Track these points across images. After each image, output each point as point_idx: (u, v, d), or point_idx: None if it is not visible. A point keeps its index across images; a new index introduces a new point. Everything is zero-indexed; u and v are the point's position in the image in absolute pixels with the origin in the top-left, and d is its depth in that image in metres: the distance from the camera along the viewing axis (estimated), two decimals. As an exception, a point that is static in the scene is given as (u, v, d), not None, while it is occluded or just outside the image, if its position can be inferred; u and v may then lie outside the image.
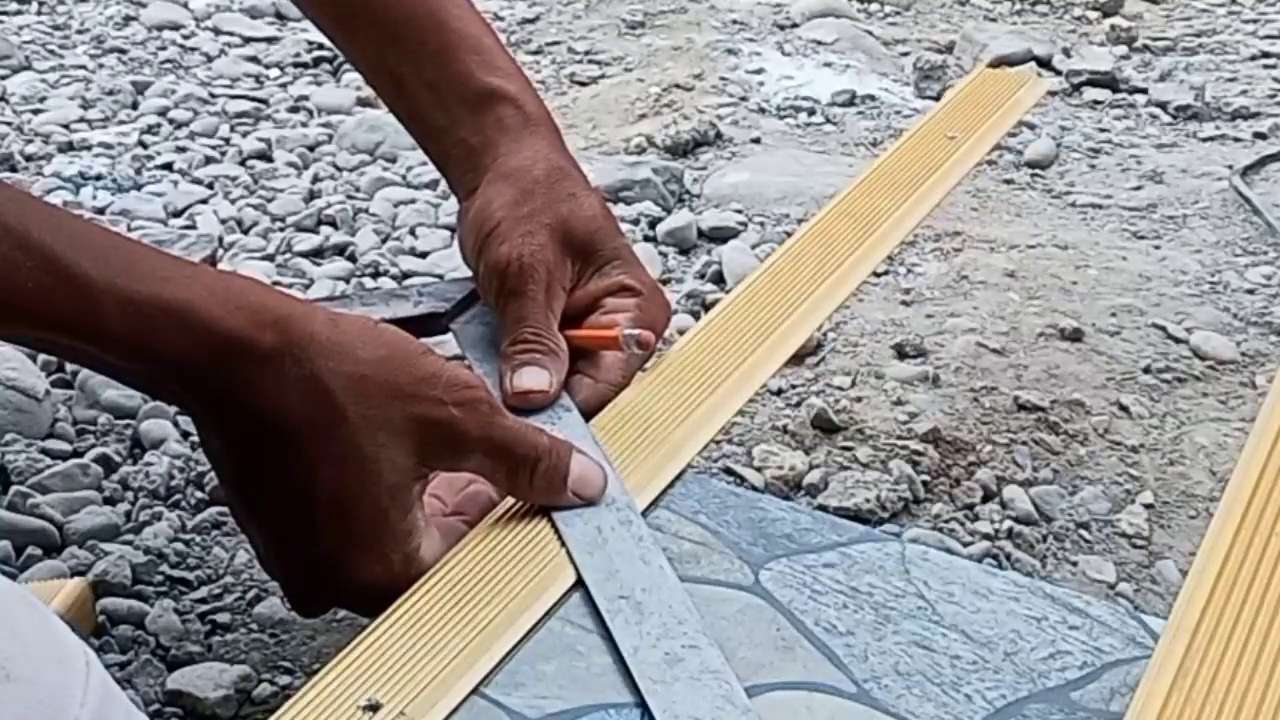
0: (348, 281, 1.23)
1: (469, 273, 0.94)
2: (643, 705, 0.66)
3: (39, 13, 1.75)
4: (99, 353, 0.71)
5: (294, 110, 1.53)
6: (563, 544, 0.75)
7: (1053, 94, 1.63)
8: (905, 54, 1.75)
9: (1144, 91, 1.65)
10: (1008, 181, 1.46)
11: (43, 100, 1.53)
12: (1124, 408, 1.10)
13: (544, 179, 0.90)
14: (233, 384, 0.71)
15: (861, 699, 0.68)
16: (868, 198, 1.03)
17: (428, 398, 0.73)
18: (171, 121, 1.50)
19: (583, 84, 1.65)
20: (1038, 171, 1.47)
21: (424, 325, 0.91)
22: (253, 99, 1.55)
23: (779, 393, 1.10)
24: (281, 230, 1.30)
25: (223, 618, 0.87)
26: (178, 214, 1.33)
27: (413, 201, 1.35)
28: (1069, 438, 1.06)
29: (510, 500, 0.77)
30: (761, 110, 1.60)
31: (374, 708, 0.64)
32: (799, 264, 0.97)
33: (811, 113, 1.60)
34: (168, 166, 1.41)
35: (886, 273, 1.26)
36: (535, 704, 0.66)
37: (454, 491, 0.79)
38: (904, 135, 1.13)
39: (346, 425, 0.72)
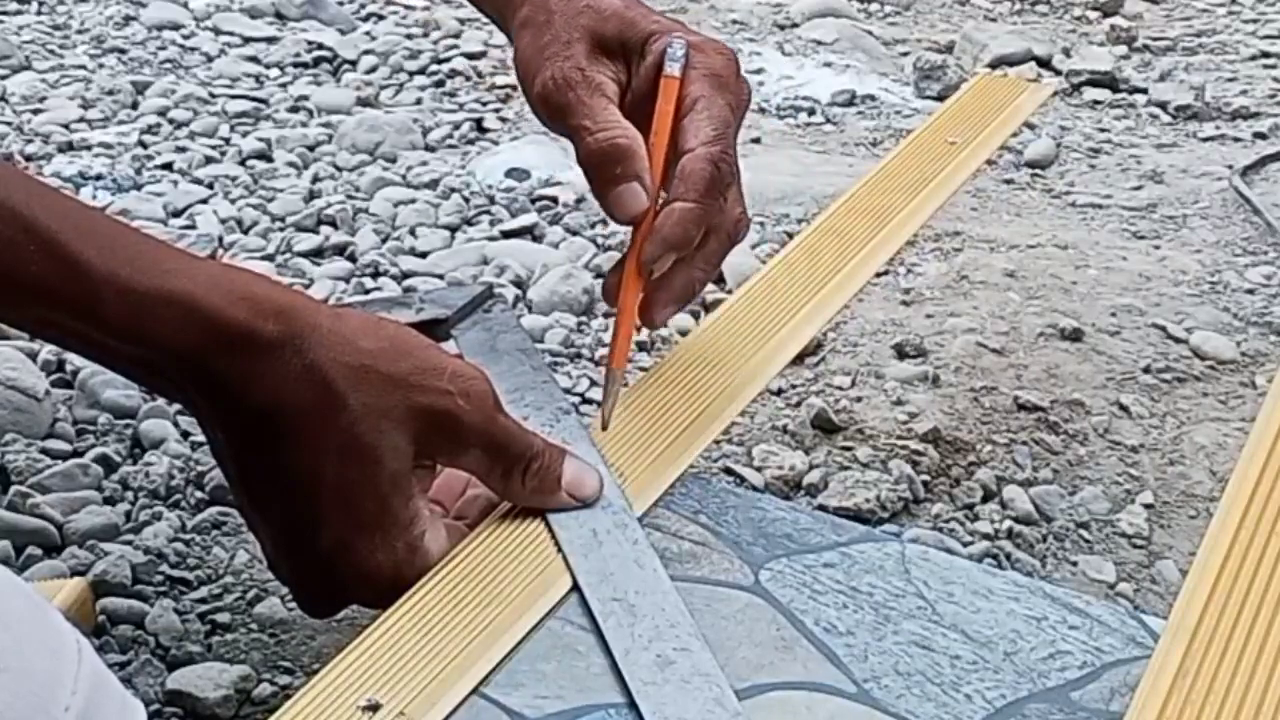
0: (347, 281, 1.23)
1: (468, 276, 0.94)
2: (634, 706, 0.66)
3: (39, 13, 1.74)
4: (102, 339, 0.71)
5: (294, 110, 1.53)
6: (558, 546, 0.75)
7: (1053, 94, 1.62)
8: (905, 54, 1.75)
9: (1144, 91, 1.65)
10: (1008, 181, 1.46)
11: (43, 100, 1.53)
12: (1124, 408, 1.10)
13: (557, 8, 0.89)
14: (234, 374, 0.71)
15: (861, 699, 0.68)
16: (868, 201, 1.03)
17: (432, 388, 0.73)
18: (171, 121, 1.50)
19: (583, 84, 1.65)
20: (1038, 171, 1.47)
21: (426, 332, 0.91)
22: (253, 99, 1.55)
23: (779, 393, 1.10)
24: (281, 230, 1.30)
25: (223, 618, 0.87)
26: (178, 214, 1.33)
27: (413, 201, 1.35)
28: (1069, 438, 1.06)
29: (509, 503, 0.78)
30: (761, 110, 1.60)
31: (374, 708, 0.64)
32: (799, 268, 0.97)
33: (811, 113, 1.60)
34: (168, 166, 1.41)
35: (886, 273, 1.26)
36: (535, 704, 0.66)
37: (453, 496, 0.79)
38: (905, 139, 1.13)
39: (346, 413, 0.72)
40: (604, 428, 0.82)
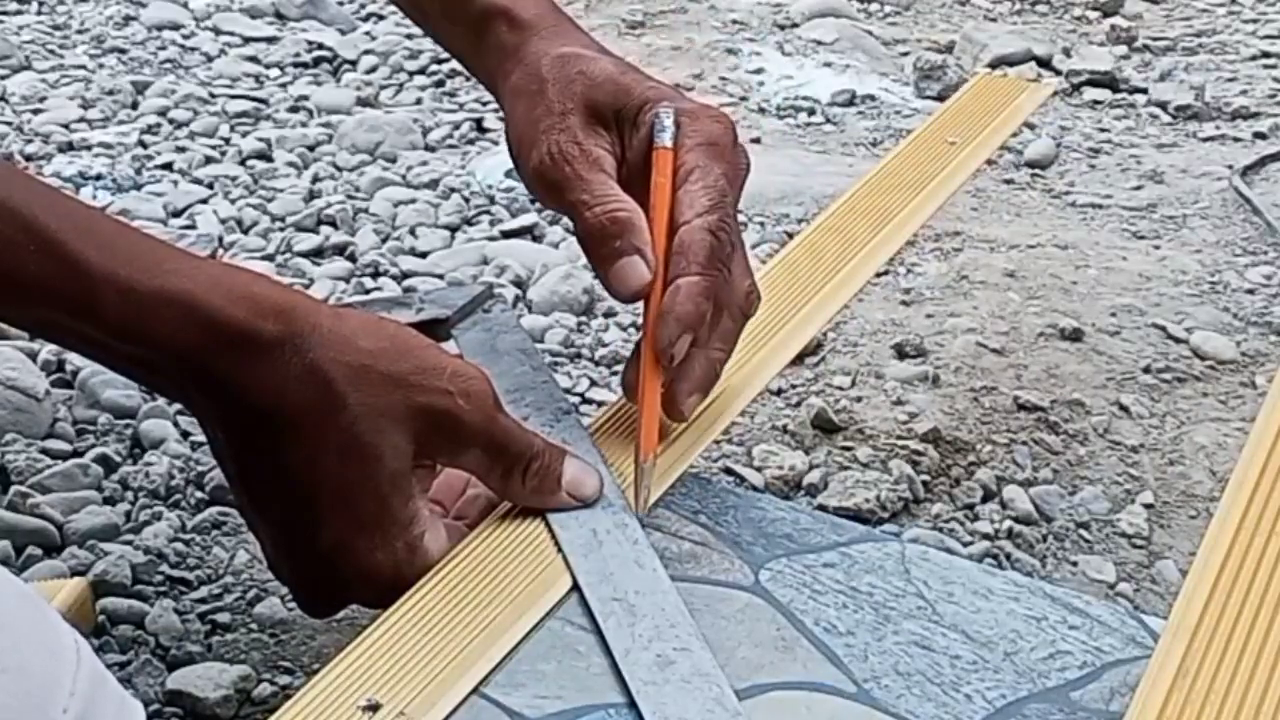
0: (348, 281, 1.23)
1: (468, 276, 0.94)
2: (634, 706, 0.66)
3: (39, 13, 1.74)
4: (102, 338, 0.71)
5: (294, 110, 1.53)
6: (558, 546, 0.75)
7: (1053, 94, 1.62)
8: (905, 54, 1.75)
9: (1144, 91, 1.65)
10: (1008, 181, 1.46)
11: (43, 100, 1.53)
12: (1124, 408, 1.10)
13: (549, 76, 0.86)
14: (233, 373, 0.71)
15: (861, 699, 0.68)
16: (869, 201, 1.03)
17: (432, 387, 0.73)
18: (171, 121, 1.50)
19: (583, 84, 1.65)
20: (1038, 171, 1.47)
21: (426, 331, 0.91)
22: (253, 99, 1.55)
23: (779, 393, 1.10)
24: (281, 230, 1.30)
25: (223, 618, 0.87)
26: (178, 214, 1.33)
27: (413, 201, 1.35)
28: (1069, 438, 1.06)
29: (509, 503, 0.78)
30: (761, 110, 1.60)
31: (374, 708, 0.64)
32: (799, 267, 0.97)
33: (811, 113, 1.60)
34: (168, 166, 1.41)
35: (886, 273, 1.26)
36: (535, 704, 0.66)
37: (453, 496, 0.79)
38: (905, 139, 1.13)
39: (346, 412, 0.72)
40: (639, 519, 0.77)
